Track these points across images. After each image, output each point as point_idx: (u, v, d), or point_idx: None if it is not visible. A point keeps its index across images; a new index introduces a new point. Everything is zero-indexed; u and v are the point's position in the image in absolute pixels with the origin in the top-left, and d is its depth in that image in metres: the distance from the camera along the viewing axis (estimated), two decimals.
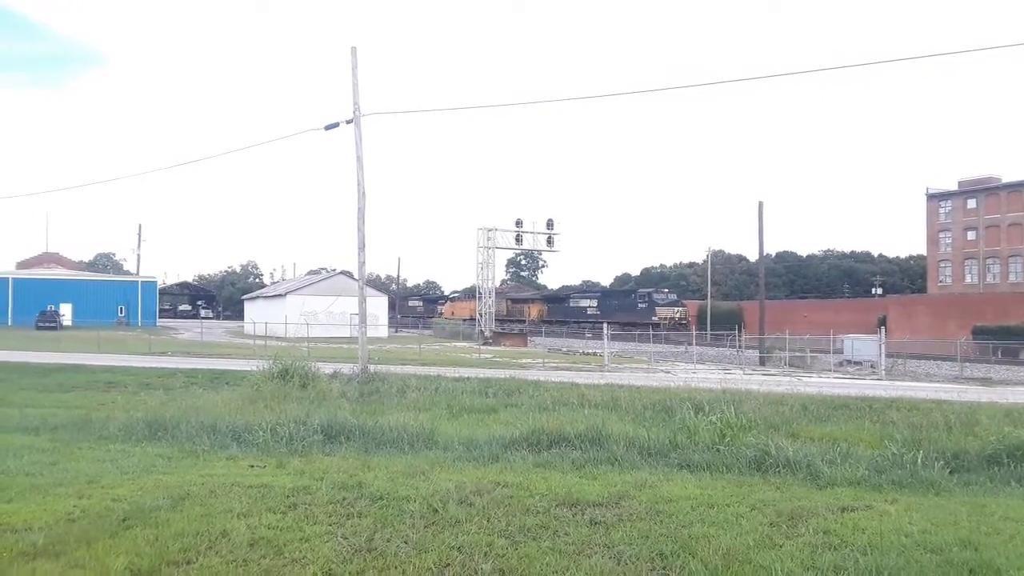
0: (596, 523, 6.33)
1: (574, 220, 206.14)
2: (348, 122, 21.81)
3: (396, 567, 5.18)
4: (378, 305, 58.21)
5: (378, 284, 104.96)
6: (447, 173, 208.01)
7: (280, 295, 62.19)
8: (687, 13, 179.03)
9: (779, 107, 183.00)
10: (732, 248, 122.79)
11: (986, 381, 27.85)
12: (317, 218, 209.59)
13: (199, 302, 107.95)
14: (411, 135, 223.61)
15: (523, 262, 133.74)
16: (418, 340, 44.10)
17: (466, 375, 20.63)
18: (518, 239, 55.25)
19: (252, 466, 8.80)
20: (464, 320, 72.74)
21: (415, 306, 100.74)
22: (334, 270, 77.33)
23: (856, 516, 6.59)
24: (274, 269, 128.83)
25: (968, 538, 5.81)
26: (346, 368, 21.17)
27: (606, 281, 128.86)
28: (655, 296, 63.43)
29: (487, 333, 52.90)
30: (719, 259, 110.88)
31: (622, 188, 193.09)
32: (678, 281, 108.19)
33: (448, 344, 49.06)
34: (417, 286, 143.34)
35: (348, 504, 6.85)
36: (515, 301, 79.26)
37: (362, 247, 22.00)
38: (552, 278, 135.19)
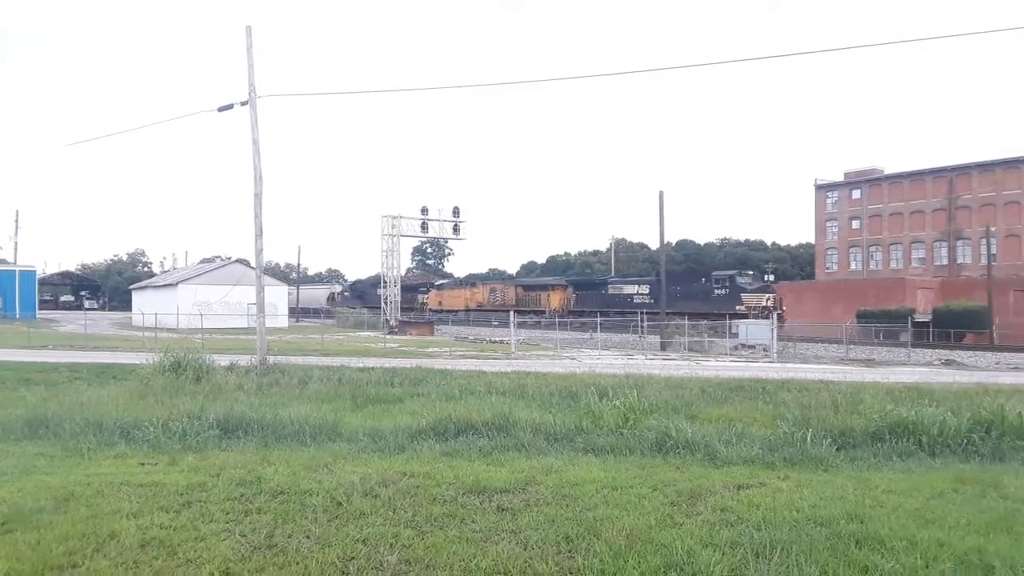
0: (503, 509, 6.34)
1: (480, 208, 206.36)
2: (243, 104, 20.97)
3: (298, 563, 5.03)
4: (277, 294, 56.50)
5: (277, 273, 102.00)
6: (350, 159, 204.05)
7: (171, 284, 59.39)
8: (589, 4, 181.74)
9: (679, 99, 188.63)
10: (635, 236, 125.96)
11: (869, 362, 29.60)
12: (212, 204, 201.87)
13: (83, 293, 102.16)
14: (313, 120, 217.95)
15: (429, 250, 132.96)
16: (320, 330, 43.08)
17: (371, 365, 20.29)
18: (424, 227, 54.55)
19: (143, 464, 8.36)
20: (455, 311, 65.89)
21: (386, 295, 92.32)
22: (229, 258, 74.42)
23: (751, 493, 6.85)
24: (164, 257, 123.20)
25: (854, 511, 6.12)
26: (244, 360, 20.46)
27: (512, 269, 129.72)
28: (739, 280, 50.96)
29: (392, 322, 52.17)
30: (622, 247, 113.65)
31: (528, 177, 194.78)
32: (583, 269, 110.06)
33: (352, 334, 48.18)
34: (319, 274, 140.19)
35: (247, 500, 6.62)
36: (529, 288, 67.74)
37: (259, 234, 21.25)
38: (459, 266, 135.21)
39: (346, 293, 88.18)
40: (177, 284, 57.59)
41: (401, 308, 73.45)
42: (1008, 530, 5.64)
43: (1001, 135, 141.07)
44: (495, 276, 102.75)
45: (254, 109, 20.99)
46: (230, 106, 21.16)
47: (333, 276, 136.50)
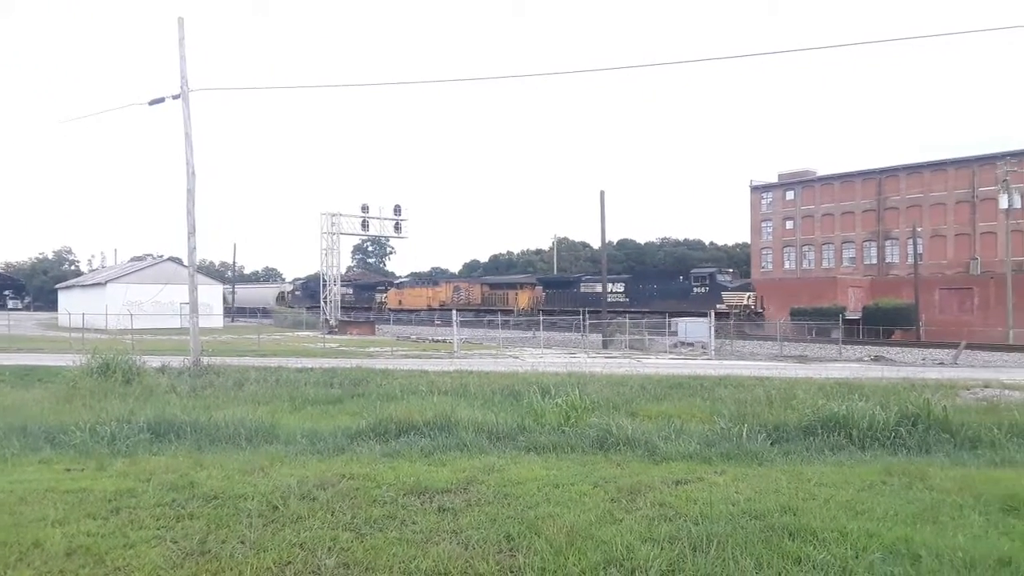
0: (444, 510, 6.30)
1: (422, 207, 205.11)
2: (175, 97, 20.42)
3: (232, 569, 4.91)
4: (211, 293, 55.08)
5: (211, 271, 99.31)
6: (289, 156, 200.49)
7: (100, 284, 57.36)
8: (528, 4, 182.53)
9: (620, 100, 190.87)
10: (577, 235, 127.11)
11: (802, 359, 30.46)
12: (142, 201, 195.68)
13: (6, 292, 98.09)
14: (250, 116, 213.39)
15: (370, 248, 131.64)
16: (257, 330, 42.18)
17: (309, 365, 19.98)
18: (364, 225, 53.75)
19: (69, 470, 8.03)
20: (416, 311, 61.53)
21: (342, 294, 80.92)
22: (161, 256, 71.96)
23: (689, 488, 6.96)
24: (93, 256, 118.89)
25: (788, 504, 6.27)
26: (176, 361, 19.91)
27: (455, 268, 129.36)
28: (719, 278, 48.66)
29: (332, 322, 51.36)
30: (564, 246, 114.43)
31: (470, 176, 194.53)
32: (525, 267, 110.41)
33: (290, 334, 47.31)
34: (256, 273, 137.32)
35: (178, 506, 6.43)
36: (495, 287, 63.49)
37: (192, 231, 20.70)
38: (400, 265, 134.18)
39: (297, 292, 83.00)
40: (106, 283, 55.68)
41: (356, 308, 70.40)
42: (933, 520, 5.86)
43: (928, 138, 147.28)
44: (438, 275, 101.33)
45: (186, 103, 20.44)
46: (161, 99, 20.58)
47: (271, 275, 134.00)
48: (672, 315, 42.50)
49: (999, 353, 32.84)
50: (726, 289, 47.10)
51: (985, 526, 5.68)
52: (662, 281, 52.43)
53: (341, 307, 68.71)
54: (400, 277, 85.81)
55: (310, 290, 76.47)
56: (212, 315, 52.66)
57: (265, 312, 74.79)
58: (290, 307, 74.91)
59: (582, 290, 55.14)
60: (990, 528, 5.63)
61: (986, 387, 15.22)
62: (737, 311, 44.32)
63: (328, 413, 12.68)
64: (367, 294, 74.70)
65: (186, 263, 23.21)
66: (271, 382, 16.14)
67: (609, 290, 50.89)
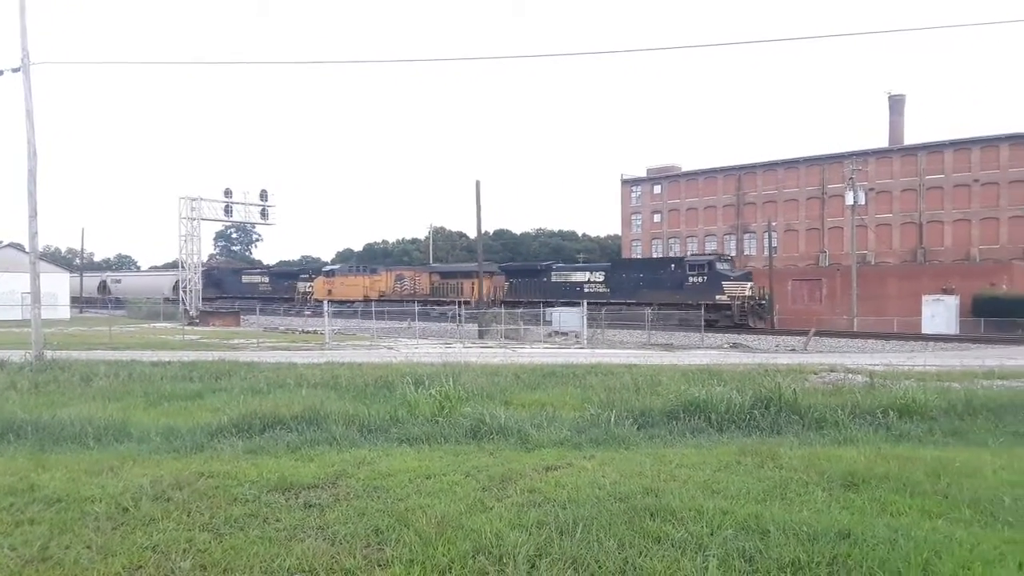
0: (310, 506, 6.11)
1: (292, 193, 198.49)
2: (15, 70, 18.73)
3: (77, 575, 4.60)
4: (57, 282, 51.05)
5: (57, 258, 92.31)
6: (145, 138, 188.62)
7: None
8: None
9: (497, 90, 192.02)
10: (453, 225, 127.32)
11: (668, 346, 31.76)
12: None
13: None
14: (104, 95, 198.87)
15: (235, 235, 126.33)
16: (108, 322, 39.50)
17: (167, 359, 18.89)
18: (227, 210, 51.02)
19: None
20: (350, 303, 53.27)
21: (255, 283, 70.51)
22: (0, 242, 66.22)
23: (559, 474, 7.07)
24: None
25: (651, 486, 6.49)
26: (17, 355, 18.34)
27: (327, 256, 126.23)
28: (719, 267, 44.26)
29: (192, 312, 48.67)
30: (440, 235, 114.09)
31: (343, 163, 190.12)
32: (401, 257, 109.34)
33: (146, 325, 44.56)
34: (107, 260, 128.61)
35: (17, 510, 5.97)
36: (448, 276, 57.73)
37: (33, 215, 19.12)
38: (268, 253, 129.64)
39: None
40: None
41: (275, 299, 63.81)
42: (782, 496, 6.23)
43: (784, 137, 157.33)
44: (310, 263, 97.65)
45: (27, 77, 18.84)
46: None
47: (123, 262, 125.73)
48: (665, 307, 40.42)
49: (845, 339, 35.65)
50: (727, 279, 43.30)
51: (828, 501, 6.08)
52: (650, 270, 48.08)
53: (257, 297, 62.79)
54: (330, 263, 75.44)
55: (215, 279, 71.00)
56: (58, 306, 48.82)
57: (117, 302, 68.73)
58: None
59: (553, 279, 50.78)
60: (832, 503, 6.04)
61: (832, 371, 16.37)
62: (740, 302, 41.52)
63: (187, 409, 12.01)
64: (287, 283, 66.51)
65: (27, 249, 21.39)
66: (123, 377, 15.17)
67: (587, 279, 48.94)
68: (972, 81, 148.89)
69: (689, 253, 65.47)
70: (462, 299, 49.11)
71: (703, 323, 37.22)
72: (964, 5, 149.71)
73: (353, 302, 53.81)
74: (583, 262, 60.40)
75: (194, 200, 49.27)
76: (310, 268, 70.98)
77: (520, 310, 42.86)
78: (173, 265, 62.66)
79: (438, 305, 48.01)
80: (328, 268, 65.91)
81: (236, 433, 9.22)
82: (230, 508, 6.01)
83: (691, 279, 43.73)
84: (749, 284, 43.38)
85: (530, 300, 47.67)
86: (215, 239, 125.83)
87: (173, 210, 49.94)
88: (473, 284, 52.48)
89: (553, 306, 42.94)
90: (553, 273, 51.33)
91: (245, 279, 71.62)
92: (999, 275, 48.95)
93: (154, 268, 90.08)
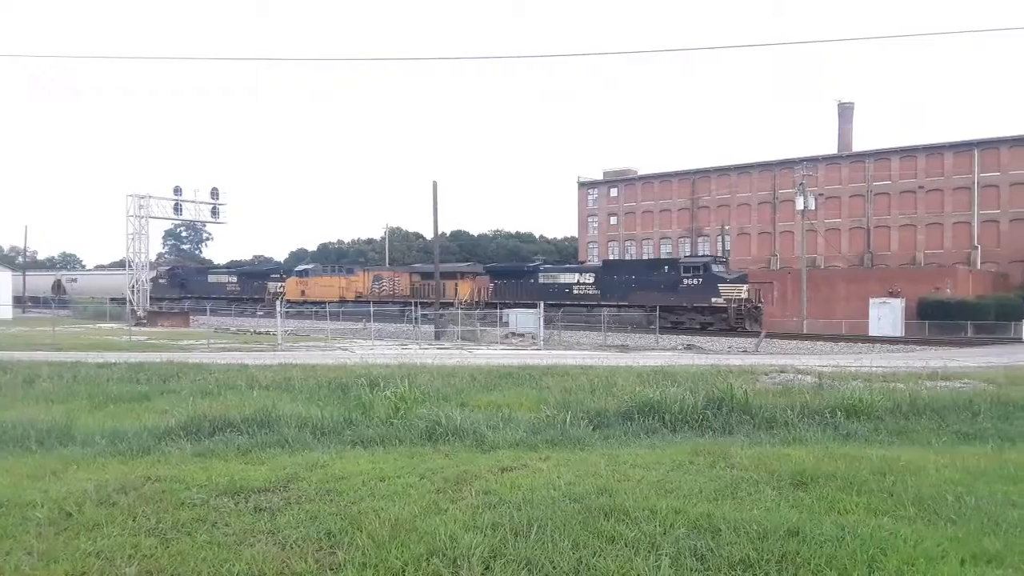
0: (261, 510, 6.00)
1: (244, 192, 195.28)
2: None
3: None
4: None
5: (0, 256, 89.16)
6: (92, 133, 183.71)
7: None
8: None
9: (454, 91, 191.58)
10: (410, 226, 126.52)
11: (624, 348, 32.04)
12: None
13: None
14: (48, 88, 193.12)
15: (184, 234, 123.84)
16: (52, 322, 38.33)
17: (113, 360, 18.39)
18: (177, 208, 49.79)
19: None
20: (324, 303, 50.30)
21: (222, 283, 67.34)
22: None
23: (514, 475, 7.06)
24: None
25: (605, 486, 6.51)
26: None
27: (280, 256, 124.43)
28: (715, 268, 43.06)
29: (140, 313, 47.44)
30: (397, 236, 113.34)
31: (296, 162, 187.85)
32: (357, 257, 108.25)
33: (91, 326, 43.27)
34: (51, 259, 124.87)
35: None
36: (429, 276, 53.68)
37: None
38: (219, 253, 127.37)
39: (162, 280, 69.12)
40: None
41: (245, 300, 61.30)
42: (733, 495, 6.31)
43: (738, 142, 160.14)
44: (263, 263, 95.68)
45: None
46: None
47: (68, 261, 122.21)
48: (660, 310, 39.24)
49: (795, 341, 36.42)
50: (723, 281, 42.13)
51: (778, 500, 6.18)
52: (642, 272, 46.85)
53: (225, 298, 60.81)
54: (302, 263, 70.36)
55: (179, 279, 68.32)
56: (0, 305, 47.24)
57: (62, 302, 66.19)
58: (154, 297, 63.75)
59: (541, 280, 49.10)
60: (782, 501, 6.14)
61: (782, 372, 16.66)
62: (736, 305, 40.67)
63: (134, 411, 11.74)
64: (257, 283, 63.13)
65: None
66: (67, 379, 14.78)
67: (576, 281, 47.60)
68: (919, 90, 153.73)
69: (663, 254, 65.45)
70: (446, 300, 47.92)
71: (658, 325, 37.56)
72: (913, 16, 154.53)
73: (326, 303, 51.05)
74: (548, 263, 58.05)
75: (142, 198, 48.09)
76: (282, 268, 68.71)
77: (474, 311, 42.76)
78: (121, 264, 60.72)
79: (419, 307, 46.09)
80: (301, 268, 63.80)
81: (184, 436, 9.02)
82: (177, 512, 5.88)
83: (686, 281, 42.74)
84: (745, 286, 42.63)
85: (516, 302, 46.22)
86: (164, 238, 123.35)
87: (121, 208, 48.70)
88: (456, 285, 51.96)
89: (539, 307, 40.48)
90: (540, 274, 50.19)
91: (212, 279, 68.89)
92: (943, 279, 50.50)
93: (100, 268, 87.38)
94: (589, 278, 47.36)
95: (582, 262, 70.10)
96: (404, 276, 56.92)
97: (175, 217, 52.45)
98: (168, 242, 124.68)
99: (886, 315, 45.98)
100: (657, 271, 45.75)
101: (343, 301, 52.30)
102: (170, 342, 29.37)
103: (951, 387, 13.49)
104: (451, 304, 46.95)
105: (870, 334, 42.44)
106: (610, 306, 42.29)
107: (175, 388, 13.99)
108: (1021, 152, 62.02)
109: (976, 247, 63.48)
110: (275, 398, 11.74)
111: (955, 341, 36.82)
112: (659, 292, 42.75)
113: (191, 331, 41.81)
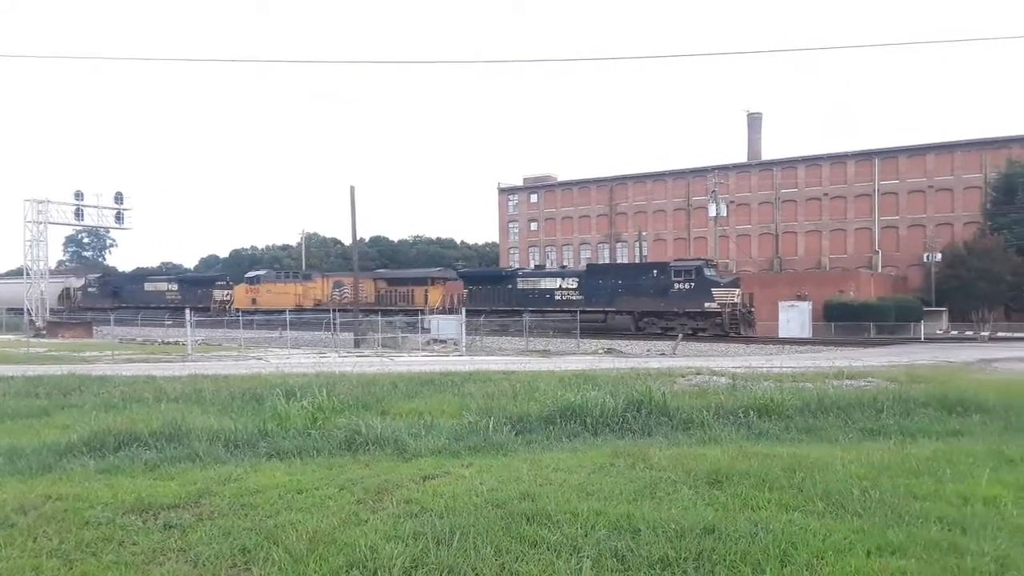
0: (171, 527, 5.79)
1: (151, 197, 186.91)
2: None
3: None
4: None
5: None
6: None
7: None
8: None
9: (371, 96, 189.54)
10: (327, 231, 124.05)
11: (546, 352, 32.30)
12: None
13: None
14: None
15: (87, 240, 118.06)
16: None
17: (9, 373, 17.36)
18: (78, 213, 47.42)
19: None
20: (278, 312, 44.55)
21: (161, 291, 61.56)
22: None
23: (436, 483, 7.01)
24: None
25: (527, 490, 6.54)
26: None
27: (190, 263, 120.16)
28: (707, 272, 41.29)
29: (39, 323, 44.96)
30: (314, 242, 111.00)
31: (206, 166, 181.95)
32: (272, 264, 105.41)
33: None
34: None
35: None
36: (397, 282, 52.07)
37: None
38: (124, 259, 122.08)
39: (92, 288, 63.58)
40: None
41: (191, 308, 55.42)
42: (652, 496, 6.44)
43: (654, 150, 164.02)
44: (171, 269, 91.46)
45: None
46: None
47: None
48: (648, 315, 39.08)
49: (709, 344, 37.42)
50: (717, 285, 40.57)
51: (694, 498, 6.34)
52: (630, 276, 44.64)
53: (165, 307, 54.73)
54: (255, 270, 63.94)
55: (112, 287, 62.82)
56: None
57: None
58: (82, 308, 59.64)
59: (519, 286, 46.55)
60: (698, 500, 6.30)
61: (698, 374, 17.10)
62: (730, 310, 39.52)
63: (32, 427, 11.09)
64: (201, 291, 59.12)
65: None
66: None
67: (558, 286, 45.44)
68: (825, 100, 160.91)
69: (646, 259, 65.09)
70: (414, 308, 46.21)
71: (579, 329, 37.57)
72: (820, 28, 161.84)
73: (280, 311, 45.64)
74: (559, 267, 54.97)
75: (41, 203, 45.69)
76: (229, 274, 64.41)
77: (396, 319, 42.28)
78: (18, 273, 57.20)
79: (385, 315, 43.57)
80: (252, 274, 59.26)
81: (88, 452, 8.60)
82: (81, 532, 5.63)
83: (677, 285, 41.01)
84: (738, 291, 41.35)
85: (493, 308, 43.85)
86: (65, 244, 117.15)
87: (18, 213, 46.13)
88: (427, 292, 49.63)
89: (520, 315, 39.45)
90: (519, 279, 47.68)
91: (149, 287, 63.48)
92: (847, 282, 52.85)
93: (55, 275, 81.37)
94: (572, 283, 45.38)
95: (563, 266, 68.93)
96: (368, 282, 53.36)
97: (76, 223, 50.06)
98: (69, 249, 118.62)
99: (795, 317, 47.91)
100: (646, 275, 43.72)
101: (300, 309, 49.19)
102: (72, 354, 27.95)
103: (856, 385, 14.10)
104: (421, 311, 45.19)
105: (780, 336, 44.09)
106: (596, 312, 41.23)
107: (77, 402, 13.29)
108: (918, 161, 65.63)
109: (877, 252, 66.74)
110: (185, 411, 11.31)
111: (859, 341, 38.68)
112: (648, 297, 41.47)
113: (94, 342, 39.94)
